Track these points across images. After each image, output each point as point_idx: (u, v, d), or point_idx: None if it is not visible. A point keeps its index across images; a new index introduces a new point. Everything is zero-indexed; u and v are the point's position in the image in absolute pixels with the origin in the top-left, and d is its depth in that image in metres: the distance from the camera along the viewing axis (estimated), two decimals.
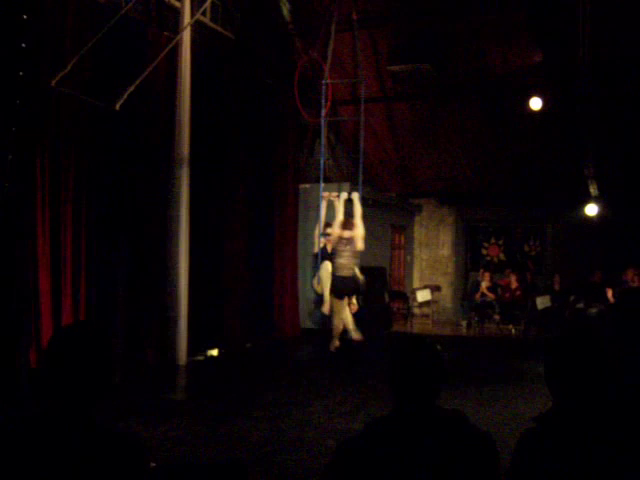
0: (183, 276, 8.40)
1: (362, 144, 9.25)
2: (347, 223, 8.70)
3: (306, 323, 11.58)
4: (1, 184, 6.20)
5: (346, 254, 8.58)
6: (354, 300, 8.83)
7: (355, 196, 8.93)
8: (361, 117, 9.17)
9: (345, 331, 8.94)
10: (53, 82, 6.05)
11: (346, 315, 8.83)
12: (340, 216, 8.82)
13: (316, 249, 9.24)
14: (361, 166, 9.24)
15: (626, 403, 2.30)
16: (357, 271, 8.65)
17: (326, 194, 9.20)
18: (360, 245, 8.62)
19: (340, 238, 8.60)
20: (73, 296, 7.16)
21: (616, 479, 1.94)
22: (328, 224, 9.06)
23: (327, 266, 8.65)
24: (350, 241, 8.59)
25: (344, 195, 9.12)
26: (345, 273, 8.56)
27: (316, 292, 9.00)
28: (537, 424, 2.11)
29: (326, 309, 8.76)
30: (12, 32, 6.18)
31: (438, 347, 2.04)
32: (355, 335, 8.88)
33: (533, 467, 2.04)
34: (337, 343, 8.92)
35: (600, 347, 2.09)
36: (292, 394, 7.01)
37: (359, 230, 8.64)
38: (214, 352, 9.16)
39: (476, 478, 1.91)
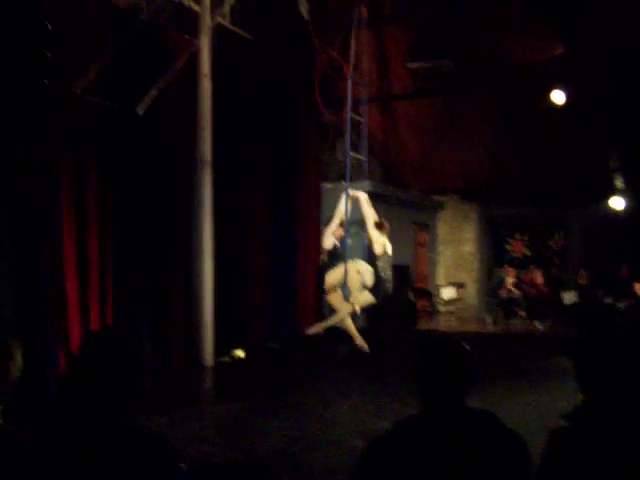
0: (208, 278, 8.46)
1: (367, 144, 9.29)
2: (381, 225, 8.66)
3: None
4: (28, 191, 6.29)
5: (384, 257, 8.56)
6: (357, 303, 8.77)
7: (362, 197, 8.90)
8: (365, 119, 9.19)
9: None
10: (77, 89, 6.12)
11: (348, 324, 8.84)
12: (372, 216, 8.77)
13: (328, 245, 9.14)
14: (366, 167, 9.28)
15: None
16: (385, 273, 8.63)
17: (352, 192, 9.09)
18: (381, 248, 8.58)
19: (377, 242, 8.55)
20: (100, 300, 7.25)
21: None
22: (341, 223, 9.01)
23: (355, 265, 8.60)
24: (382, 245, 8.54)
25: (363, 196, 9.07)
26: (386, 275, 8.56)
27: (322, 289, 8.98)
28: (567, 422, 2.10)
29: (358, 309, 8.75)
30: (36, 41, 6.26)
31: (466, 347, 2.03)
32: (361, 343, 8.87)
33: (563, 466, 2.02)
34: (361, 340, 8.88)
35: (628, 347, 2.07)
36: (317, 393, 7.02)
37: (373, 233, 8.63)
38: (240, 353, 9.20)
39: (506, 478, 1.90)
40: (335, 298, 8.82)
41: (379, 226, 8.70)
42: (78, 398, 1.91)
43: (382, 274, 8.65)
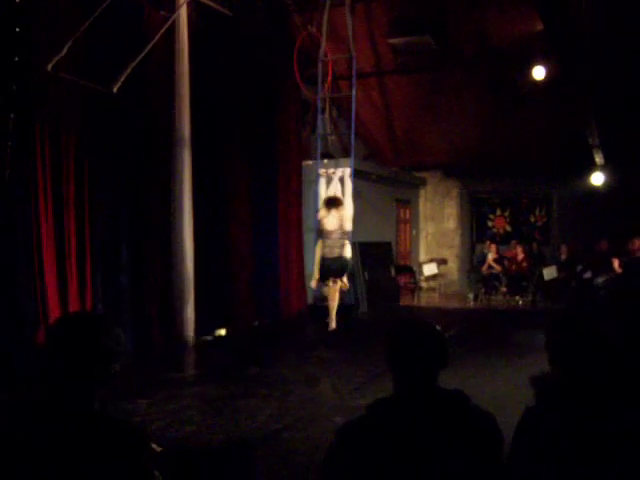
0: (189, 256, 8.42)
1: (354, 120, 9.16)
2: (334, 202, 8.52)
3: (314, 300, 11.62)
4: (2, 170, 6.19)
5: (334, 235, 8.43)
6: (344, 279, 8.71)
7: (346, 173, 8.80)
8: (353, 93, 9.07)
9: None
10: (49, 66, 6.00)
11: (332, 299, 8.78)
12: (326, 194, 8.69)
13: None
14: (353, 142, 9.17)
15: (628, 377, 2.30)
16: (346, 251, 8.50)
17: (322, 171, 9.06)
18: (348, 225, 8.45)
19: (327, 218, 8.41)
20: (79, 277, 7.19)
21: (617, 454, 1.94)
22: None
23: (319, 245, 8.59)
24: (339, 220, 8.42)
25: (339, 172, 9.00)
26: (333, 254, 8.44)
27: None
28: (538, 398, 2.11)
29: (313, 284, 8.75)
30: (5, 17, 6.11)
31: (438, 329, 2.03)
32: (331, 324, 8.83)
33: (534, 443, 2.04)
34: (333, 325, 8.86)
35: (600, 327, 2.09)
36: (299, 372, 7.04)
37: (348, 209, 8.49)
38: (222, 332, 9.20)
39: (479, 458, 1.91)
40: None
41: (336, 203, 8.59)
42: (49, 382, 1.89)
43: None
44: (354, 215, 8.62)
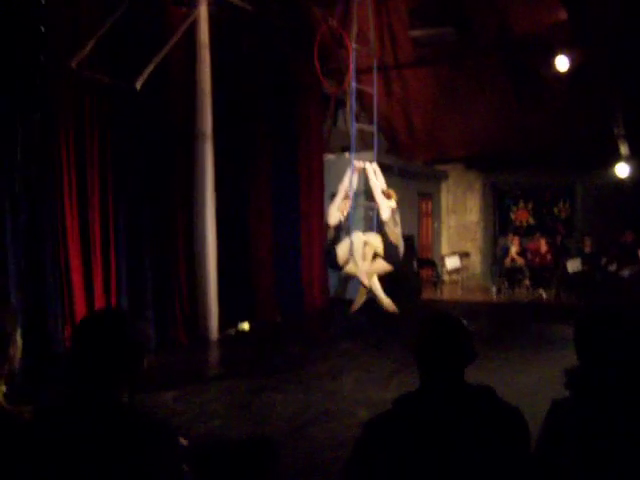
0: (211, 251, 8.46)
1: (376, 113, 9.13)
2: (388, 194, 8.59)
3: (337, 294, 11.64)
4: (28, 168, 6.27)
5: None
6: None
7: (374, 166, 8.80)
8: (374, 86, 9.03)
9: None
10: (73, 64, 6.06)
11: (375, 288, 8.78)
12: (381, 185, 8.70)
13: (333, 221, 9.10)
14: (375, 136, 9.14)
15: None
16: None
17: (358, 164, 9.02)
18: (383, 215, 8.51)
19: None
20: (104, 274, 7.28)
21: None
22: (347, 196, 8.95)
23: (361, 236, 8.58)
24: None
25: (370, 166, 8.99)
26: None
27: (337, 265, 8.94)
28: (569, 391, 2.10)
29: (366, 282, 8.72)
30: (30, 17, 6.18)
31: (465, 323, 2.02)
32: (387, 304, 8.81)
33: (562, 436, 2.03)
34: (357, 305, 8.88)
35: (628, 317, 2.07)
36: (323, 366, 7.06)
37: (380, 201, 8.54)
38: (245, 326, 9.24)
39: (506, 452, 1.90)
40: (352, 268, 8.81)
41: (386, 195, 8.65)
42: (77, 379, 1.91)
43: (391, 239, 8.61)
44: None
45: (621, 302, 10.28)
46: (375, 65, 9.07)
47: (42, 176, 6.47)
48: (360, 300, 8.86)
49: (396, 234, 8.58)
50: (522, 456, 1.96)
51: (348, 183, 8.87)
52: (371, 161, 9.14)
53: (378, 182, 8.78)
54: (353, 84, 8.80)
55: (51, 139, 6.59)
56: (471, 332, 2.01)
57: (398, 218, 8.67)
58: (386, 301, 8.84)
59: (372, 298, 9.24)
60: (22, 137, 6.19)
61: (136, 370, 1.94)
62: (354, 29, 8.94)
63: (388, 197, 8.59)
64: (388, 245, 8.60)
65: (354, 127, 8.98)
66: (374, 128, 9.24)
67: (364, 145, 12.36)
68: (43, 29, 6.16)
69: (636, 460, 1.93)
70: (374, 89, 8.99)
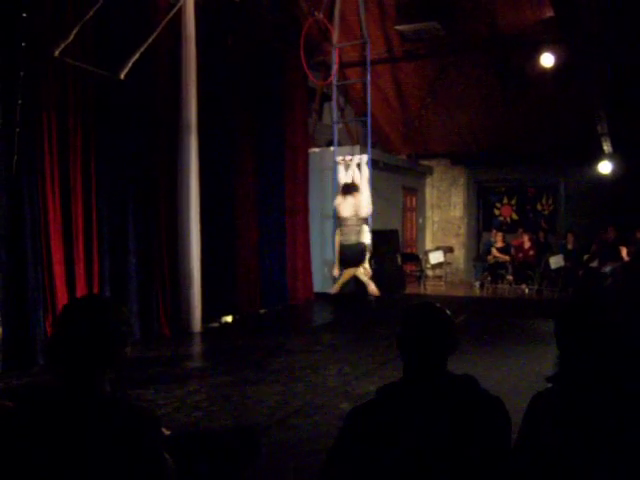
0: (195, 243, 8.42)
1: (370, 106, 9.13)
2: (350, 188, 8.56)
3: (321, 287, 11.64)
4: (10, 156, 6.19)
5: (350, 222, 8.46)
6: (366, 265, 8.78)
7: (363, 160, 8.83)
8: (368, 79, 9.03)
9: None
10: (56, 52, 5.99)
11: (359, 273, 8.80)
12: (343, 181, 8.71)
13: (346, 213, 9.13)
14: (369, 129, 9.13)
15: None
16: (364, 237, 8.52)
17: (340, 158, 9.07)
18: (364, 211, 8.48)
19: (343, 205, 8.45)
20: (86, 264, 7.21)
21: (626, 437, 1.94)
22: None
23: (337, 232, 8.64)
24: (355, 207, 8.46)
25: (357, 159, 9.02)
26: (350, 241, 8.46)
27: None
28: (551, 383, 2.12)
29: (335, 272, 8.78)
30: (12, 2, 6.09)
31: (448, 313, 2.03)
32: (371, 289, 8.84)
33: (543, 428, 2.04)
34: (337, 288, 8.92)
35: (608, 311, 2.09)
36: (306, 358, 7.06)
37: (364, 195, 8.51)
38: (228, 318, 9.22)
39: (487, 443, 1.91)
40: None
41: (352, 189, 8.65)
42: (60, 365, 1.90)
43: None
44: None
45: (601, 296, 10.38)
46: (369, 59, 9.07)
47: (23, 166, 6.39)
48: (342, 281, 8.90)
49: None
50: (503, 445, 1.98)
51: (343, 177, 8.89)
52: (358, 154, 9.17)
53: (362, 174, 8.82)
54: (334, 80, 8.83)
55: (33, 129, 6.51)
56: (454, 323, 2.02)
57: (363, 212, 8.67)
58: (371, 286, 8.88)
59: (355, 290, 9.30)
60: (2, 126, 6.11)
61: (119, 356, 1.93)
62: (337, 21, 8.92)
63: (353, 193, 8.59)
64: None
65: (335, 120, 9.00)
66: (368, 120, 9.24)
67: (350, 139, 12.36)
68: (25, 15, 6.07)
69: (617, 446, 1.95)
70: (368, 83, 9.01)
